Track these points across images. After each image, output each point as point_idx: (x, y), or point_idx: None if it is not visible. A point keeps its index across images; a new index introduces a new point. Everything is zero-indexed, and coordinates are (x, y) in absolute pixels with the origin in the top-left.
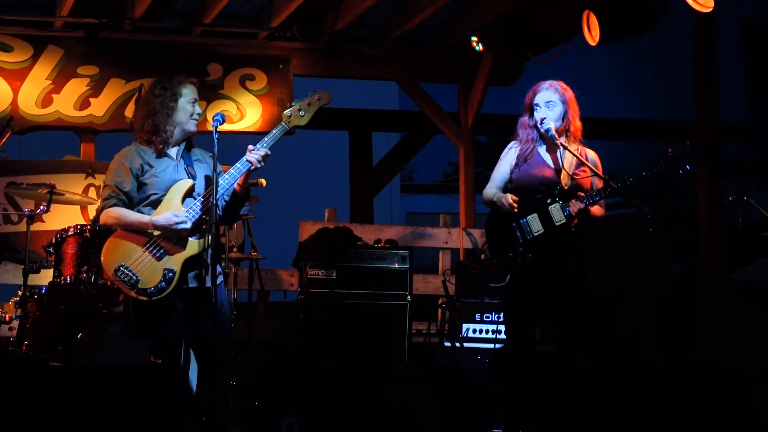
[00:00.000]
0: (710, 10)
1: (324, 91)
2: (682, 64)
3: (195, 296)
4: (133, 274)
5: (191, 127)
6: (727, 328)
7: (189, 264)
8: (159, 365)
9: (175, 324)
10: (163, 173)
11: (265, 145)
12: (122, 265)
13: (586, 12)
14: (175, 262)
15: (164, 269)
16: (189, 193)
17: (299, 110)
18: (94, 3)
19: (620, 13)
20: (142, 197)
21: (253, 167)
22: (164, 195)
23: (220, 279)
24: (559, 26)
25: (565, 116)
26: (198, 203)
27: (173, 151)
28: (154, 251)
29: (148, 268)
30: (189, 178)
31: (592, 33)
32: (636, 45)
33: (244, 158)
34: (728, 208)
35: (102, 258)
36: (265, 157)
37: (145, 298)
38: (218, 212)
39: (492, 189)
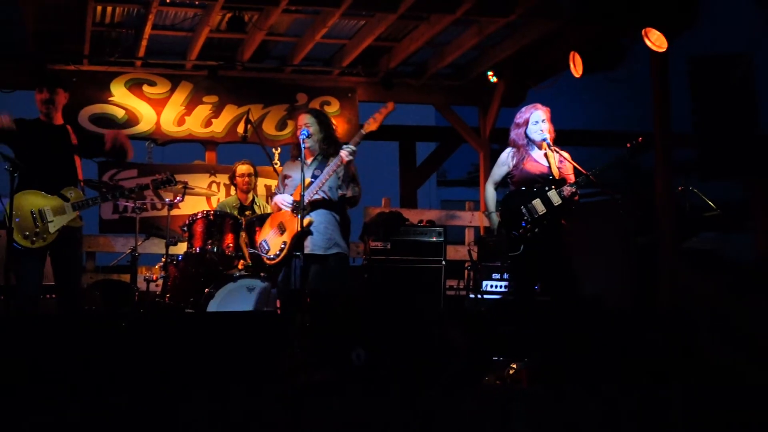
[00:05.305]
0: (664, 50)
1: (390, 101)
2: (644, 88)
3: (306, 259)
4: (267, 245)
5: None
6: (679, 283)
7: (300, 237)
8: (270, 312)
9: (288, 280)
10: (294, 176)
11: (351, 144)
12: (264, 240)
13: (572, 52)
14: (288, 237)
15: (282, 242)
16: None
17: (373, 119)
18: (214, 50)
19: (597, 52)
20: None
21: (344, 161)
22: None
23: (337, 249)
24: (552, 63)
25: (549, 128)
26: (304, 197)
27: (308, 160)
28: (280, 230)
29: (274, 241)
30: (312, 178)
31: (577, 68)
32: (610, 75)
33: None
34: (679, 195)
35: (257, 234)
36: (351, 153)
37: (270, 262)
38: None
39: (491, 188)
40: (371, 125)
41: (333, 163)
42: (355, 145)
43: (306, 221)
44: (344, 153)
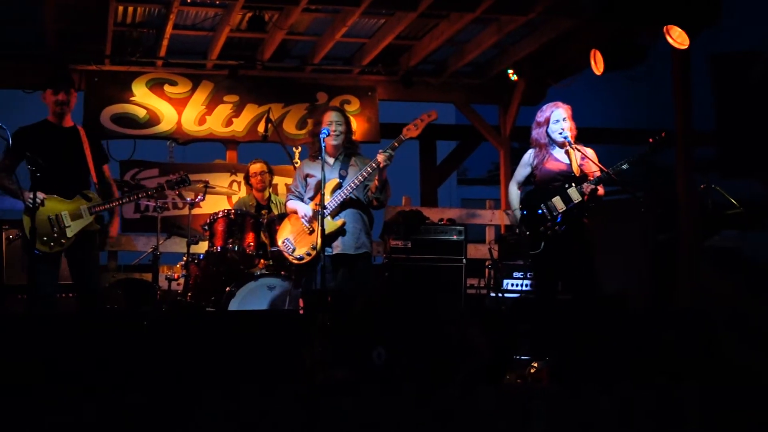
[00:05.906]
0: (686, 47)
1: (433, 110)
2: (665, 86)
3: (335, 259)
4: (292, 244)
5: (329, 141)
6: (699, 282)
7: (330, 238)
8: (292, 311)
9: (315, 280)
10: (318, 176)
11: (390, 149)
12: (287, 239)
13: (593, 50)
14: (317, 238)
15: (311, 243)
16: (338, 188)
17: (414, 125)
18: (235, 49)
19: (618, 50)
20: (308, 193)
21: (382, 165)
22: (318, 191)
23: (365, 249)
24: (572, 61)
25: (570, 126)
26: (336, 198)
27: (330, 159)
28: (308, 229)
29: (302, 241)
30: (339, 178)
31: (598, 66)
32: (629, 73)
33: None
34: (700, 193)
35: (277, 233)
36: (389, 157)
37: (297, 262)
38: (376, 197)
39: (514, 188)
40: (412, 131)
41: (368, 165)
42: (393, 150)
43: (339, 222)
44: (382, 157)
